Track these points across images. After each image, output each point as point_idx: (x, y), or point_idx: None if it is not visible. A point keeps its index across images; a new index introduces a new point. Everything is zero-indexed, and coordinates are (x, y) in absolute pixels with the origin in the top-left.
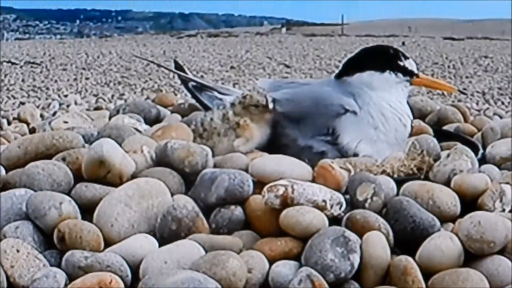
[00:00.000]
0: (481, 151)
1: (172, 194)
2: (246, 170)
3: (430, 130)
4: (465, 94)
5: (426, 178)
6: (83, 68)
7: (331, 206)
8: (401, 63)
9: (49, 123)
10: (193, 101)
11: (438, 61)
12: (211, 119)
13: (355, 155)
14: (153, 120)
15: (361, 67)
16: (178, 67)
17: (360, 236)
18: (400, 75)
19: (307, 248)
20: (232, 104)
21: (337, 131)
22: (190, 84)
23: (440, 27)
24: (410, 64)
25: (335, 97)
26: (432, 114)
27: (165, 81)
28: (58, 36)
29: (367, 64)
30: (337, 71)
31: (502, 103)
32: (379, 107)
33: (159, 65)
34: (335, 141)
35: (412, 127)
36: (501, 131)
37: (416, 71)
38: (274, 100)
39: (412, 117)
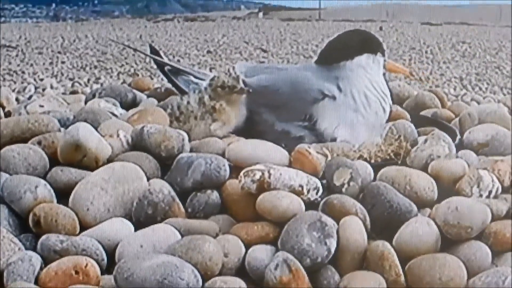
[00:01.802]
0: (458, 136)
1: (148, 179)
2: (223, 155)
3: (408, 116)
4: (417, 79)
5: (403, 163)
6: (59, 52)
7: (308, 191)
8: (383, 45)
9: (25, 107)
10: (169, 85)
11: (416, 46)
12: (188, 102)
13: (333, 140)
14: (129, 104)
15: (346, 53)
16: (154, 51)
17: (337, 221)
18: (380, 55)
19: (284, 232)
20: (205, 88)
21: (314, 116)
22: (166, 68)
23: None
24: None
25: (313, 82)
26: (409, 99)
27: (142, 65)
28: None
29: (353, 49)
30: (318, 56)
31: (480, 88)
32: (364, 89)
33: (135, 50)
34: (313, 127)
35: (390, 112)
36: (479, 117)
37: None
38: (245, 83)
39: (391, 103)
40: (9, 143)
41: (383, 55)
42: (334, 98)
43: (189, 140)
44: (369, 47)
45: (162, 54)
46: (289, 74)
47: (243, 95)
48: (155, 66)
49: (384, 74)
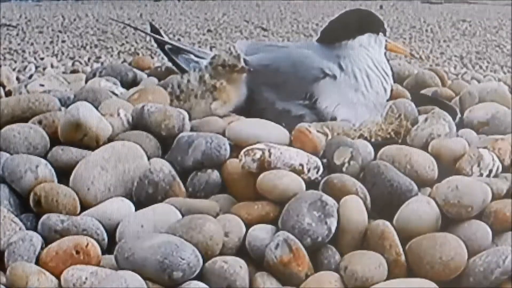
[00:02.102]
0: (459, 115)
1: (149, 158)
2: (223, 134)
3: (408, 94)
4: (412, 56)
5: (404, 142)
6: (60, 31)
7: (308, 170)
8: (384, 24)
9: (25, 86)
10: (170, 64)
11: (416, 25)
12: (188, 81)
13: (333, 119)
14: (129, 83)
15: (360, 30)
16: (154, 30)
17: (338, 200)
18: (382, 35)
19: (284, 212)
20: (206, 67)
21: (315, 95)
22: (167, 47)
23: None
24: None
25: (314, 61)
26: (409, 78)
27: (142, 44)
28: None
29: (366, 27)
30: (320, 35)
31: (480, 67)
32: (366, 69)
33: (135, 28)
34: (313, 106)
35: (391, 91)
36: (479, 96)
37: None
38: (246, 62)
39: (393, 82)
40: (10, 123)
41: (385, 34)
42: (335, 77)
43: (190, 119)
44: (370, 27)
45: (162, 33)
46: (289, 53)
47: (244, 74)
48: (155, 45)
49: (384, 54)
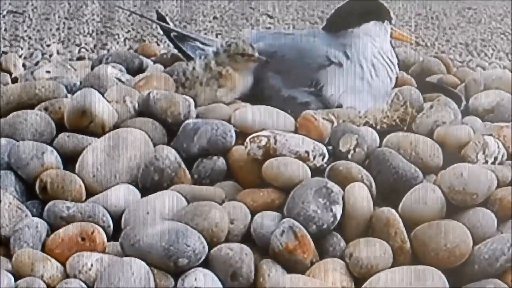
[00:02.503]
0: (464, 102)
1: (155, 145)
2: (229, 121)
3: (413, 82)
4: (418, 44)
5: (409, 129)
6: (66, 18)
7: (314, 157)
8: (390, 13)
9: (32, 73)
10: (176, 51)
11: (421, 13)
12: (193, 68)
13: (339, 106)
14: (135, 70)
15: (365, 18)
16: (160, 17)
17: (343, 187)
18: (387, 23)
19: (290, 199)
20: (216, 53)
21: (320, 82)
22: (172, 34)
23: None
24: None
25: (320, 48)
26: (415, 65)
27: (148, 31)
28: None
29: (371, 15)
30: (325, 23)
31: (485, 54)
32: (371, 57)
33: (141, 16)
34: (319, 93)
35: (397, 78)
36: (484, 83)
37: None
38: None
39: (398, 70)
40: (16, 109)
41: (390, 23)
42: (340, 65)
43: (195, 106)
44: (376, 15)
45: (168, 20)
46: (295, 40)
47: (247, 64)
48: (161, 32)
49: (390, 42)
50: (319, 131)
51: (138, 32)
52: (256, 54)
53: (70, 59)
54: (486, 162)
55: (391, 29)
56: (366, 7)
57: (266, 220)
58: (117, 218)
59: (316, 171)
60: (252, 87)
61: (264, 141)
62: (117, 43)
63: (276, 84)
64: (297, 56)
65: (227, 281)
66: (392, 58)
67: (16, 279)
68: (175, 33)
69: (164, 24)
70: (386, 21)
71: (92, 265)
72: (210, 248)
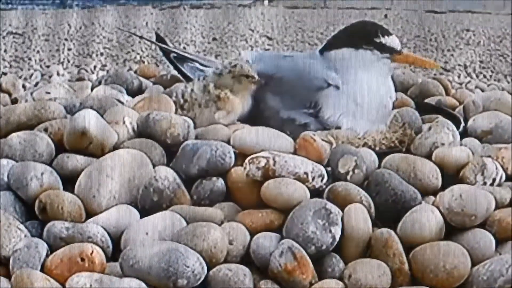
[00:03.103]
0: (462, 124)
1: (154, 166)
2: (228, 142)
3: (412, 103)
4: (447, 71)
5: (408, 151)
6: (66, 39)
7: (313, 178)
8: (377, 40)
9: (31, 93)
10: (175, 72)
11: (420, 34)
12: (192, 90)
13: (337, 128)
14: (135, 91)
15: (339, 44)
16: (160, 38)
17: (342, 208)
18: (376, 52)
19: (289, 220)
20: (219, 74)
21: (319, 104)
22: (172, 55)
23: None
24: (390, 41)
25: (318, 70)
26: (414, 87)
27: (148, 52)
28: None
29: (344, 41)
30: (323, 45)
31: (484, 76)
32: (358, 84)
33: (141, 37)
34: (317, 114)
35: (394, 102)
36: (483, 105)
37: (398, 48)
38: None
39: (394, 97)
40: (16, 130)
41: (375, 48)
42: (337, 87)
43: (195, 127)
44: (348, 41)
45: (168, 41)
46: (294, 62)
47: (253, 85)
48: (161, 53)
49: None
50: (318, 152)
51: (138, 53)
52: (257, 77)
53: (69, 80)
54: (485, 183)
55: (400, 53)
56: (355, 32)
57: (265, 241)
58: (116, 239)
59: (315, 192)
60: (251, 108)
61: (263, 162)
62: (117, 64)
63: (275, 106)
64: (295, 78)
65: None
66: (383, 86)
67: None
68: (175, 54)
69: (164, 45)
70: (374, 49)
71: (91, 285)
72: (209, 269)
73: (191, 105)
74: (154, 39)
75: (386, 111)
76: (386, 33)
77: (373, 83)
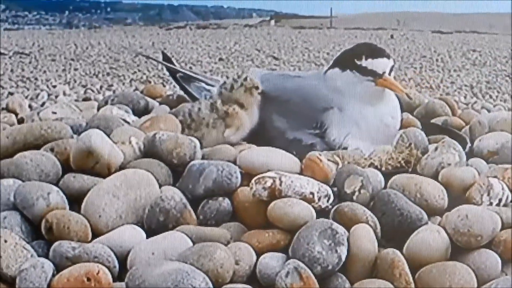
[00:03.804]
0: (468, 144)
1: (160, 185)
2: (234, 162)
3: (418, 123)
4: (410, 99)
5: (414, 171)
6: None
7: (319, 199)
8: (359, 63)
9: (38, 113)
10: (181, 92)
11: (427, 55)
12: (199, 109)
13: (344, 149)
14: (141, 111)
15: (333, 64)
16: (166, 58)
17: (348, 228)
18: (357, 74)
19: (295, 240)
20: (230, 88)
21: (325, 124)
22: (178, 75)
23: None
24: (372, 64)
25: (322, 91)
26: (420, 107)
27: (154, 72)
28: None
29: (336, 62)
30: (329, 65)
31: (490, 96)
32: (353, 106)
33: (147, 57)
34: (323, 134)
35: (401, 120)
36: (489, 125)
37: (379, 72)
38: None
39: (399, 117)
40: (22, 150)
41: (357, 71)
42: (340, 109)
43: (201, 147)
44: (338, 63)
45: (174, 61)
46: (300, 83)
47: (259, 98)
48: (167, 73)
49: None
50: (324, 172)
51: (144, 73)
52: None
53: (76, 100)
54: (491, 204)
55: (381, 77)
56: (343, 53)
57: (272, 261)
58: (122, 259)
59: (321, 213)
60: (257, 128)
61: (269, 183)
62: (123, 84)
63: (281, 126)
64: (302, 99)
65: None
66: (377, 108)
67: None
68: (181, 74)
69: (170, 65)
70: (354, 71)
71: None
72: None
73: (198, 125)
74: (160, 59)
75: (389, 130)
76: (372, 55)
77: (365, 105)
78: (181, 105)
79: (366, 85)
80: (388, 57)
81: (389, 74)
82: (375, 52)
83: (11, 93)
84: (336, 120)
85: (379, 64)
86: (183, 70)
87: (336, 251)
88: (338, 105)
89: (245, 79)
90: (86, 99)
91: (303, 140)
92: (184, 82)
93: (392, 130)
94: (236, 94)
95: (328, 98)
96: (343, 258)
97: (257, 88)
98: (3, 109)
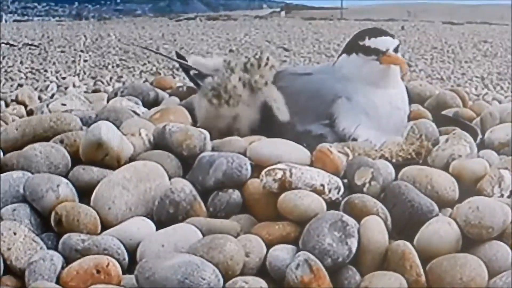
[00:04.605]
0: (479, 136)
1: (170, 177)
2: (244, 154)
3: (429, 115)
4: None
5: (425, 163)
6: (82, 51)
7: (329, 190)
8: (361, 43)
9: (47, 105)
10: (191, 84)
11: (437, 46)
12: (234, 86)
13: (354, 140)
14: (151, 103)
15: (341, 52)
16: (180, 57)
17: (358, 220)
18: (361, 55)
19: (305, 232)
20: (258, 65)
21: (334, 114)
22: (192, 72)
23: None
24: (374, 43)
25: (330, 82)
26: (431, 98)
27: (164, 64)
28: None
29: (343, 48)
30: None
31: (501, 88)
32: (364, 92)
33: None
34: (333, 124)
35: (410, 110)
36: (500, 116)
37: (383, 49)
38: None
39: (405, 106)
40: (32, 142)
41: (361, 52)
42: (349, 98)
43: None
44: (344, 49)
45: (183, 53)
46: (308, 80)
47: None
48: (176, 65)
49: (402, 78)
50: (334, 164)
51: (154, 65)
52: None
53: (85, 92)
54: (502, 195)
55: (384, 54)
56: (352, 39)
57: (282, 253)
58: (132, 251)
59: (332, 204)
60: (266, 122)
61: (279, 174)
62: (133, 75)
63: (290, 121)
64: (311, 97)
65: None
66: (386, 89)
67: None
68: (195, 71)
69: (184, 62)
70: (358, 52)
71: None
72: (225, 281)
73: (236, 101)
74: (171, 51)
75: (399, 114)
76: (375, 35)
77: (374, 88)
78: (191, 97)
79: (371, 65)
80: (392, 36)
81: (396, 53)
82: (377, 31)
83: (20, 85)
84: (345, 110)
85: (382, 42)
86: (197, 68)
87: (347, 243)
88: (346, 94)
89: (268, 58)
90: (95, 91)
91: (312, 131)
92: (198, 79)
93: (402, 114)
94: (263, 71)
95: (336, 88)
96: (354, 250)
97: (274, 66)
98: (12, 101)
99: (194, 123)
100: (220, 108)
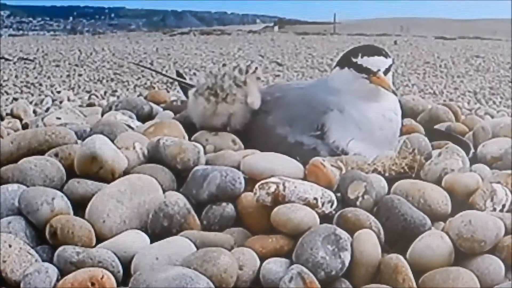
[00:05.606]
0: (472, 150)
1: (164, 191)
2: (238, 167)
3: (422, 129)
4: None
5: (418, 177)
6: (76, 65)
7: (323, 204)
8: (354, 60)
9: (42, 119)
10: (185, 98)
11: (430, 60)
12: (230, 85)
13: (345, 153)
14: (145, 117)
15: (334, 66)
16: (179, 75)
17: (351, 234)
18: (354, 71)
19: (298, 245)
20: (246, 71)
21: (326, 126)
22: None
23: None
24: (367, 62)
25: (322, 94)
26: (423, 113)
27: (158, 78)
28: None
29: (336, 62)
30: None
31: (494, 102)
32: (356, 104)
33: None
34: (324, 136)
35: (402, 123)
36: (492, 131)
37: (374, 69)
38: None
39: (396, 120)
40: (27, 155)
41: (353, 68)
42: (341, 110)
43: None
44: (338, 62)
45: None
46: (301, 93)
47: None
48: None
49: (394, 92)
50: (328, 178)
51: (148, 79)
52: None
53: (80, 106)
54: (494, 209)
55: (375, 74)
56: (346, 54)
57: (275, 266)
58: (126, 264)
59: (325, 218)
60: (258, 134)
61: (273, 188)
62: (127, 89)
63: (283, 133)
64: (302, 108)
65: None
66: (378, 103)
67: None
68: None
69: (183, 80)
70: (351, 68)
71: None
72: None
73: (233, 100)
74: (165, 65)
75: (392, 126)
76: (368, 54)
77: (365, 102)
78: (185, 111)
79: (361, 83)
80: (386, 56)
81: (387, 72)
82: (372, 50)
83: (15, 99)
84: (337, 122)
85: (374, 62)
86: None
87: (340, 256)
88: (338, 106)
89: (256, 68)
90: (90, 105)
91: (304, 143)
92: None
93: (395, 127)
94: (252, 77)
95: (328, 100)
96: (347, 263)
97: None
98: (7, 114)
99: (189, 136)
100: (218, 106)
